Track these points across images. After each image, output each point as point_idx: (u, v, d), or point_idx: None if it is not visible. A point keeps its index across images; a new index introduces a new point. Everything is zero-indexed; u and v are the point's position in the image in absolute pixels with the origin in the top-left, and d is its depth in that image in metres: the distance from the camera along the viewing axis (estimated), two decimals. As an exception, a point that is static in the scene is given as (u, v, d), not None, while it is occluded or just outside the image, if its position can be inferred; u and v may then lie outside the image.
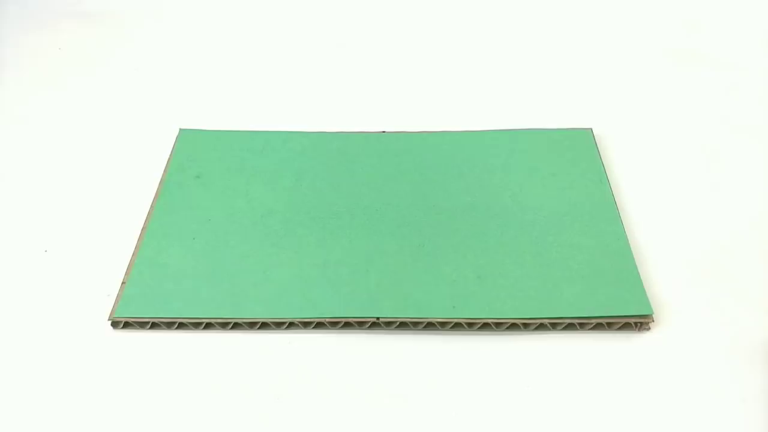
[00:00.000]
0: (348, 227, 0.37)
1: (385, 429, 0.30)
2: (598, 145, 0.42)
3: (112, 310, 0.33)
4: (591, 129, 0.43)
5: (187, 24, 0.56)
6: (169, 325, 0.33)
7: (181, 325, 0.33)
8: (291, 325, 0.33)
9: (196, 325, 0.33)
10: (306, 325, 0.33)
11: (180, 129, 0.44)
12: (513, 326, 0.33)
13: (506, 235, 0.36)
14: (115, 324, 0.33)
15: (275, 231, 0.37)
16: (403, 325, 0.33)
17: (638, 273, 0.34)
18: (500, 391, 0.31)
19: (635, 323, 0.33)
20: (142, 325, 0.33)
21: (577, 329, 0.33)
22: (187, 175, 0.40)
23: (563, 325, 0.33)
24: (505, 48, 0.53)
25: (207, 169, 0.41)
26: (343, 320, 0.33)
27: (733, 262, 0.36)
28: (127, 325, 0.33)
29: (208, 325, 0.33)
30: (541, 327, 0.33)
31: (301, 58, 0.52)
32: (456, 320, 0.33)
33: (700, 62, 0.50)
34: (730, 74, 0.49)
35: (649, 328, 0.33)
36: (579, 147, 0.42)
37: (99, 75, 0.51)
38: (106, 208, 0.40)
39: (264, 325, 0.33)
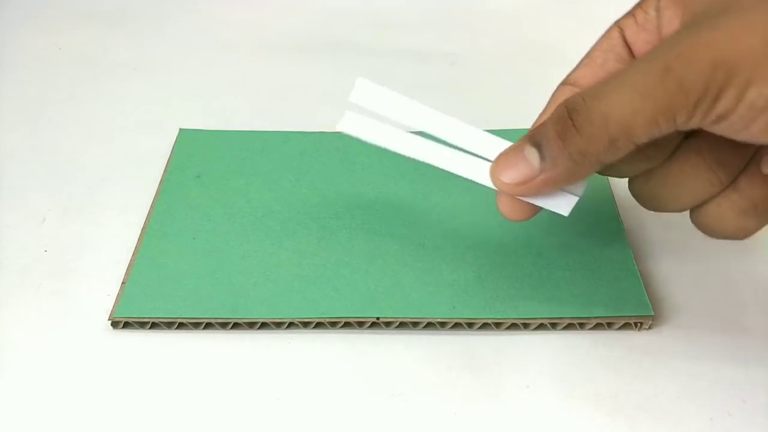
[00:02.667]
0: (348, 227, 0.37)
1: (385, 429, 0.30)
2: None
3: (112, 310, 0.33)
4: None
5: (187, 24, 0.56)
6: (169, 325, 0.33)
7: (181, 325, 0.33)
8: (291, 325, 0.33)
9: (196, 325, 0.33)
10: (306, 325, 0.33)
11: (180, 129, 0.44)
12: (513, 326, 0.33)
13: (506, 235, 0.36)
14: (115, 324, 0.33)
15: (275, 231, 0.37)
16: (403, 325, 0.33)
17: (638, 273, 0.34)
18: (500, 391, 0.31)
19: (635, 323, 0.33)
20: (142, 325, 0.33)
21: (577, 329, 0.33)
22: (187, 175, 0.40)
23: (563, 325, 0.33)
24: (505, 47, 0.53)
25: (207, 169, 0.41)
26: (343, 320, 0.33)
27: (733, 261, 0.36)
28: (127, 325, 0.33)
29: (208, 325, 0.33)
30: (541, 327, 0.33)
31: (301, 57, 0.52)
32: (456, 320, 0.33)
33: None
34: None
35: (649, 328, 0.33)
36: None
37: (99, 75, 0.51)
38: (105, 208, 0.40)
39: (264, 325, 0.33)
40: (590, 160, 0.25)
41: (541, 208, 0.29)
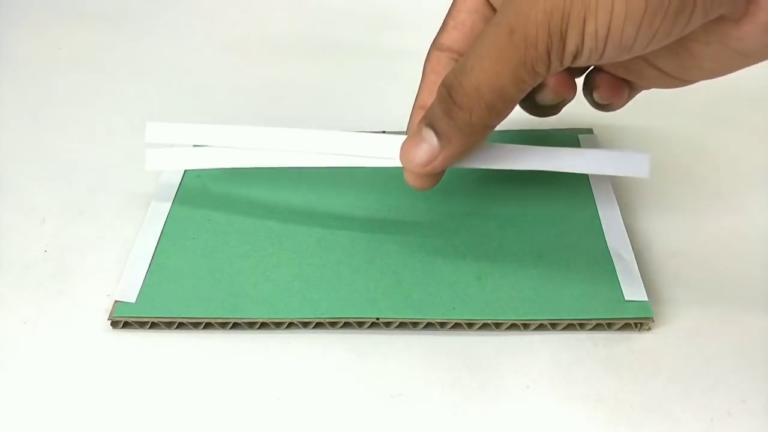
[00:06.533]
0: (348, 227, 0.37)
1: (385, 429, 0.30)
2: (599, 146, 0.42)
3: (111, 310, 0.33)
4: (592, 129, 0.43)
5: (187, 24, 0.57)
6: (169, 325, 0.33)
7: (181, 325, 0.33)
8: (291, 325, 0.33)
9: (195, 325, 0.33)
10: (305, 325, 0.33)
11: (180, 129, 0.44)
12: (513, 326, 0.33)
13: (506, 236, 0.36)
14: (114, 324, 0.33)
15: (275, 231, 0.37)
16: (403, 326, 0.33)
17: (639, 274, 0.34)
18: (500, 391, 0.31)
19: (635, 323, 0.33)
20: (141, 325, 0.33)
21: (577, 329, 0.33)
22: (187, 175, 0.40)
23: (563, 326, 0.33)
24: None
25: (207, 169, 0.41)
26: (343, 320, 0.33)
27: (733, 261, 0.36)
28: (126, 325, 0.33)
29: (208, 325, 0.33)
30: (541, 327, 0.33)
31: (301, 57, 0.52)
32: (456, 321, 0.33)
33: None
34: (732, 73, 0.49)
35: (649, 328, 0.33)
36: (580, 147, 0.42)
37: (99, 75, 0.51)
38: (105, 207, 0.40)
39: (264, 325, 0.33)
40: (478, 127, 0.28)
41: (441, 175, 0.31)
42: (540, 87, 0.31)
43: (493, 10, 0.32)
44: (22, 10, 0.58)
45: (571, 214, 0.37)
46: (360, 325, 0.33)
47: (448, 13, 0.34)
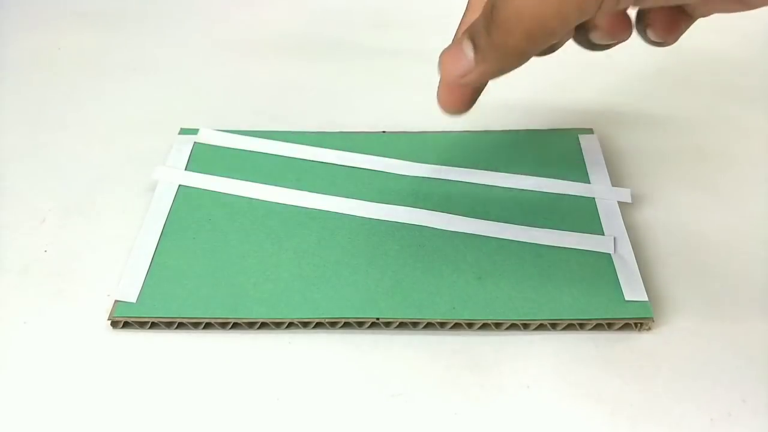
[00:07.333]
0: (348, 227, 0.37)
1: (385, 429, 0.30)
2: (599, 146, 0.42)
3: (111, 309, 0.33)
4: (592, 129, 0.43)
5: (187, 24, 0.56)
6: (169, 325, 0.33)
7: (181, 325, 0.33)
8: (290, 325, 0.33)
9: (195, 325, 0.33)
10: (305, 325, 0.33)
11: (180, 129, 0.44)
12: (513, 326, 0.33)
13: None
14: (114, 324, 0.33)
15: (275, 231, 0.37)
16: (403, 326, 0.33)
17: (639, 275, 0.34)
18: (500, 391, 0.31)
19: (635, 323, 0.33)
20: (141, 325, 0.33)
21: (577, 330, 0.33)
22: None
23: (563, 326, 0.33)
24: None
25: (206, 170, 0.41)
26: (343, 320, 0.33)
27: (733, 261, 0.36)
28: (126, 325, 0.33)
29: (208, 325, 0.33)
30: (541, 327, 0.33)
31: (301, 57, 0.52)
32: (455, 321, 0.33)
33: (700, 61, 0.50)
34: (732, 73, 0.49)
35: (649, 328, 0.33)
36: (580, 147, 0.42)
37: (99, 75, 0.51)
38: (105, 207, 0.40)
39: (263, 325, 0.33)
40: (515, 51, 0.26)
41: (475, 101, 0.32)
42: (593, 27, 0.30)
43: None
44: (22, 10, 0.58)
45: (571, 215, 0.37)
46: (360, 325, 0.33)
47: None
